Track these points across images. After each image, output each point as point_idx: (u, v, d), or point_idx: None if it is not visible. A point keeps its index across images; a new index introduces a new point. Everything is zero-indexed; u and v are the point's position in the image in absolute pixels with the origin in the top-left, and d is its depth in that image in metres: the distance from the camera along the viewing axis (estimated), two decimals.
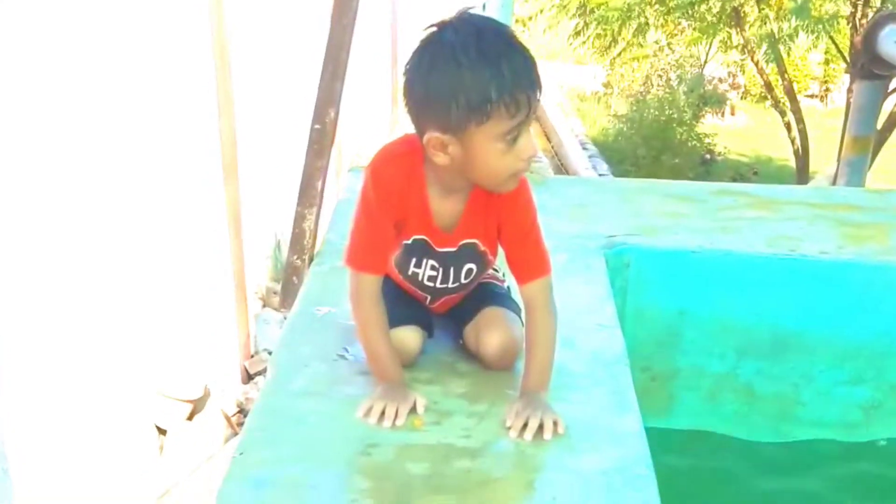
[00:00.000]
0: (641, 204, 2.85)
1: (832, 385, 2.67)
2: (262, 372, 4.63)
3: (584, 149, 11.05)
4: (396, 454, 1.58)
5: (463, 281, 1.84)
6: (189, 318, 4.36)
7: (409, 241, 1.77)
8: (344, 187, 2.65)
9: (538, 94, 1.59)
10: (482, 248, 1.80)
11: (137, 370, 3.96)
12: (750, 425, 2.68)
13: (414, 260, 1.81)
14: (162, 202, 4.10)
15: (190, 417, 4.17)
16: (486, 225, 1.76)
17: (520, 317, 1.83)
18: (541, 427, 1.64)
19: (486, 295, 1.89)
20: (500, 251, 1.82)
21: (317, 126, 2.13)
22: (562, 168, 10.51)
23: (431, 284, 1.84)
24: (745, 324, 2.61)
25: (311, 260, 2.24)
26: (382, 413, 1.65)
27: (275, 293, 5.77)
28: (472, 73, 1.54)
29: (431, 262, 1.80)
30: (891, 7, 6.34)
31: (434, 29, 1.60)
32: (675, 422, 2.66)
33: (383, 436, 1.61)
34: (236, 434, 3.44)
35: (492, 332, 1.82)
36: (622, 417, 1.74)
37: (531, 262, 1.76)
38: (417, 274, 1.83)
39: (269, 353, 4.56)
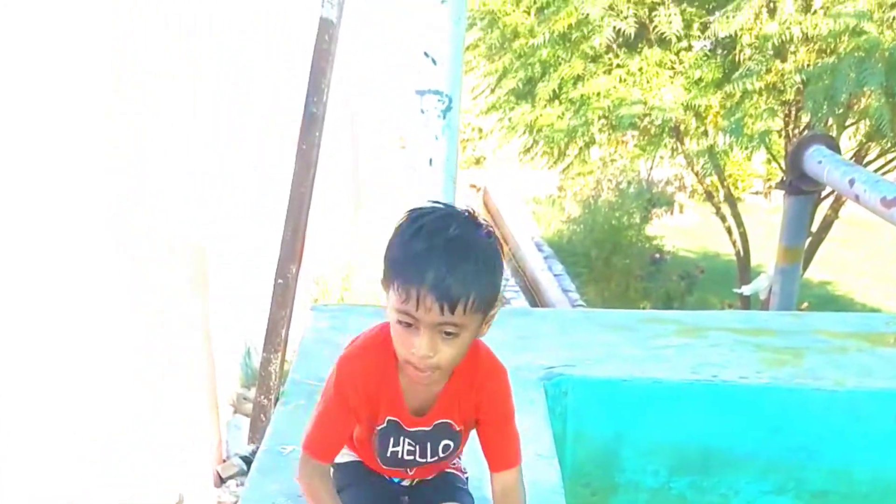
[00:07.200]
0: (577, 334, 3.10)
1: (758, 495, 2.92)
2: (235, 475, 4.78)
3: (540, 250, 11.41)
4: None
5: (441, 455, 1.85)
6: (161, 429, 4.52)
7: (383, 425, 1.79)
8: (306, 327, 2.88)
9: (444, 307, 1.55)
10: (457, 427, 1.82)
11: (111, 482, 4.09)
12: None
13: (392, 440, 1.81)
14: (134, 315, 4.29)
15: None
16: (461, 409, 1.79)
17: None
18: None
19: (447, 487, 1.93)
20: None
21: (279, 281, 2.37)
22: (518, 270, 10.85)
23: (412, 458, 1.84)
24: (676, 443, 2.85)
25: (276, 399, 2.47)
26: None
27: (245, 399, 5.92)
28: (401, 246, 1.60)
29: (407, 440, 1.81)
30: (815, 127, 6.81)
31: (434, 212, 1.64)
32: None
33: None
34: None
35: None
36: None
37: (507, 452, 1.83)
38: (397, 452, 1.82)
39: (241, 458, 4.73)
